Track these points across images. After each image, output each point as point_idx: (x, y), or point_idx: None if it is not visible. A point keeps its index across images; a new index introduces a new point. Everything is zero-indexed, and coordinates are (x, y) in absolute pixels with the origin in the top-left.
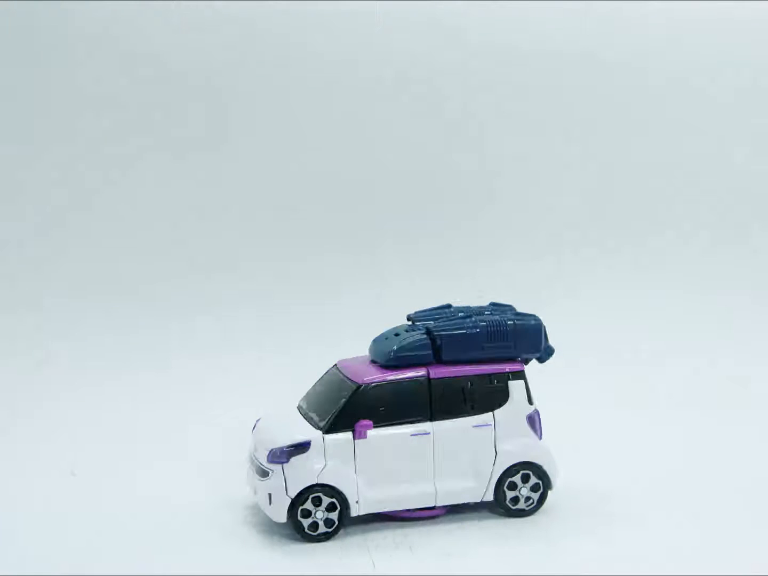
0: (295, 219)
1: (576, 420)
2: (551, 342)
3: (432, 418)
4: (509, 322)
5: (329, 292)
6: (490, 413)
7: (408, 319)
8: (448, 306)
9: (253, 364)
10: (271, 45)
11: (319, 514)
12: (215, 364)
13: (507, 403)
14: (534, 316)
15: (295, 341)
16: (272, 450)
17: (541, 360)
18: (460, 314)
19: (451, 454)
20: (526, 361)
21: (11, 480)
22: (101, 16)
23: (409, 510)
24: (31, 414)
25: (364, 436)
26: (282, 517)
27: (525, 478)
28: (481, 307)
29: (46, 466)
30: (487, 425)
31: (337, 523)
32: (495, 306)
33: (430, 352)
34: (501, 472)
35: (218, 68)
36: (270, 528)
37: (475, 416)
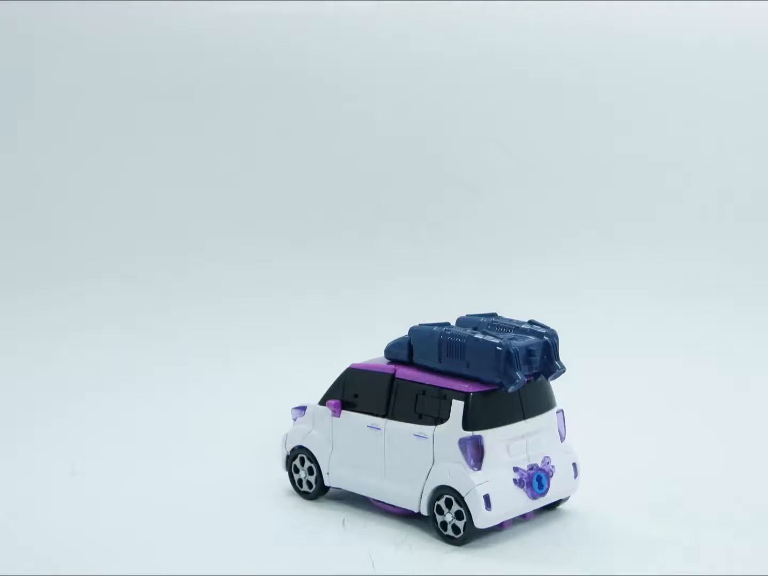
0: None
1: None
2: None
3: (387, 416)
4: (466, 339)
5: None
6: (432, 427)
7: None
8: (493, 315)
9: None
10: (270, 43)
11: (302, 474)
12: (222, 359)
13: (446, 422)
14: (503, 341)
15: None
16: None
17: (503, 387)
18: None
19: (397, 457)
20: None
21: (12, 479)
22: (99, 15)
23: (374, 499)
24: (31, 412)
25: (338, 415)
26: (282, 466)
27: (448, 504)
28: (516, 324)
29: (46, 464)
30: (423, 437)
31: (315, 486)
32: (533, 324)
33: (406, 351)
34: (431, 489)
35: (216, 67)
36: (270, 528)
37: (419, 425)
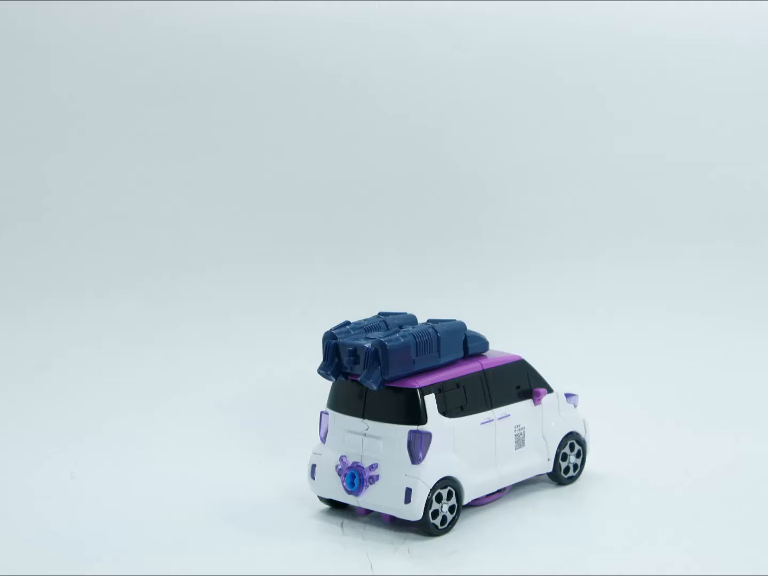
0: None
1: None
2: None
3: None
4: None
5: None
6: None
7: None
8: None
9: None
10: (267, 43)
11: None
12: (220, 361)
13: None
14: (337, 331)
15: None
16: None
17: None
18: None
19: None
20: None
21: (12, 480)
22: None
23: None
24: (31, 415)
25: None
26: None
27: None
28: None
29: (45, 468)
30: None
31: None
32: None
33: None
34: None
35: (211, 68)
36: (269, 530)
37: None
